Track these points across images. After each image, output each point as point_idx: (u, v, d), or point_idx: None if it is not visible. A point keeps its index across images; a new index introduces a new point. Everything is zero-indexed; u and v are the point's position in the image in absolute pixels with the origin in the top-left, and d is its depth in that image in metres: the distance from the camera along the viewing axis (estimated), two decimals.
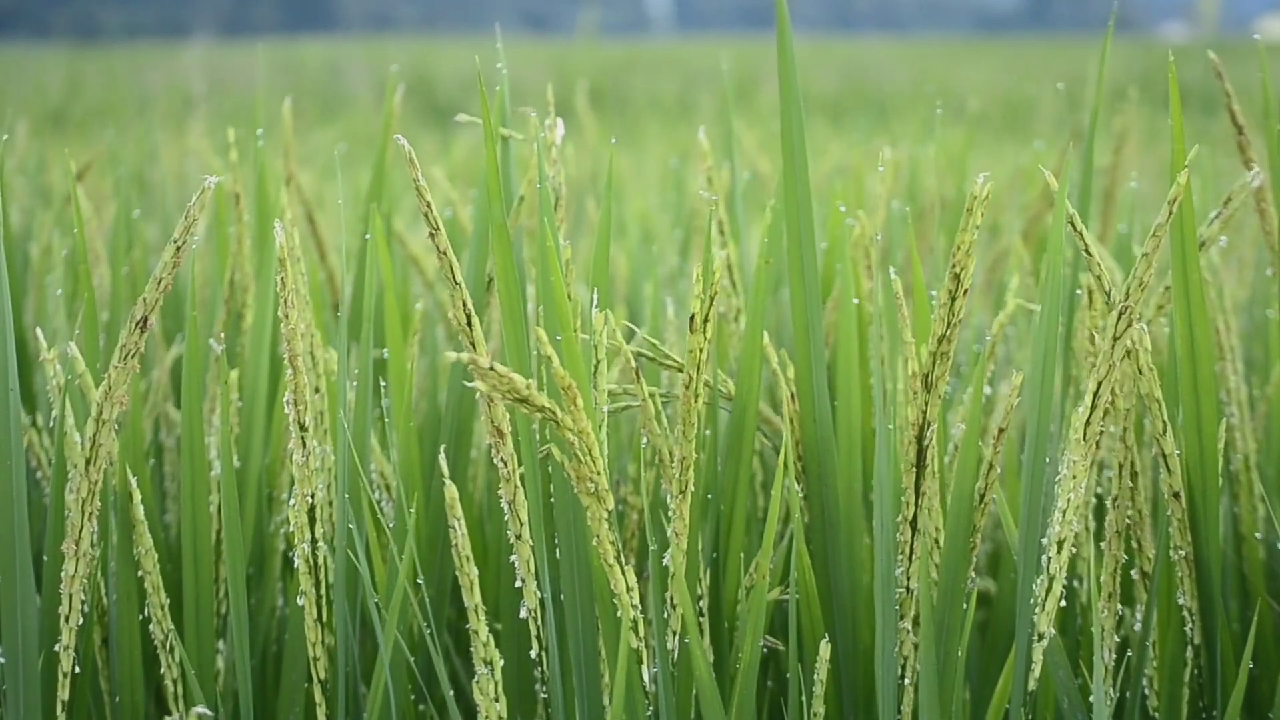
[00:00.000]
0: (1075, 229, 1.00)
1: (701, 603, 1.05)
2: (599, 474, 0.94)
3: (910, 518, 1.00)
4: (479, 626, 0.96)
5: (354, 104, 7.03)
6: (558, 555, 1.01)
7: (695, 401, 0.99)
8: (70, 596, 1.00)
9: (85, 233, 1.25)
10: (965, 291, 0.97)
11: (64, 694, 1.01)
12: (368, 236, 1.09)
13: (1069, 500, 0.96)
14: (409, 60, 8.64)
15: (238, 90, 7.00)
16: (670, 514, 1.00)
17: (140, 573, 1.07)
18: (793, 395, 1.10)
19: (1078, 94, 5.85)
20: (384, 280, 1.21)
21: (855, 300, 1.15)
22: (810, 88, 7.87)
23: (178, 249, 0.98)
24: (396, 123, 1.44)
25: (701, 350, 0.98)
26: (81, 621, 1.02)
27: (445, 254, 0.96)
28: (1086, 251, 1.00)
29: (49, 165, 2.69)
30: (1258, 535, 1.24)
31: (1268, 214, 1.16)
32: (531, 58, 8.70)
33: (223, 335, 1.22)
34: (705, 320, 0.98)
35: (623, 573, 0.97)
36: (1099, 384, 0.97)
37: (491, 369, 0.86)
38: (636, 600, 0.97)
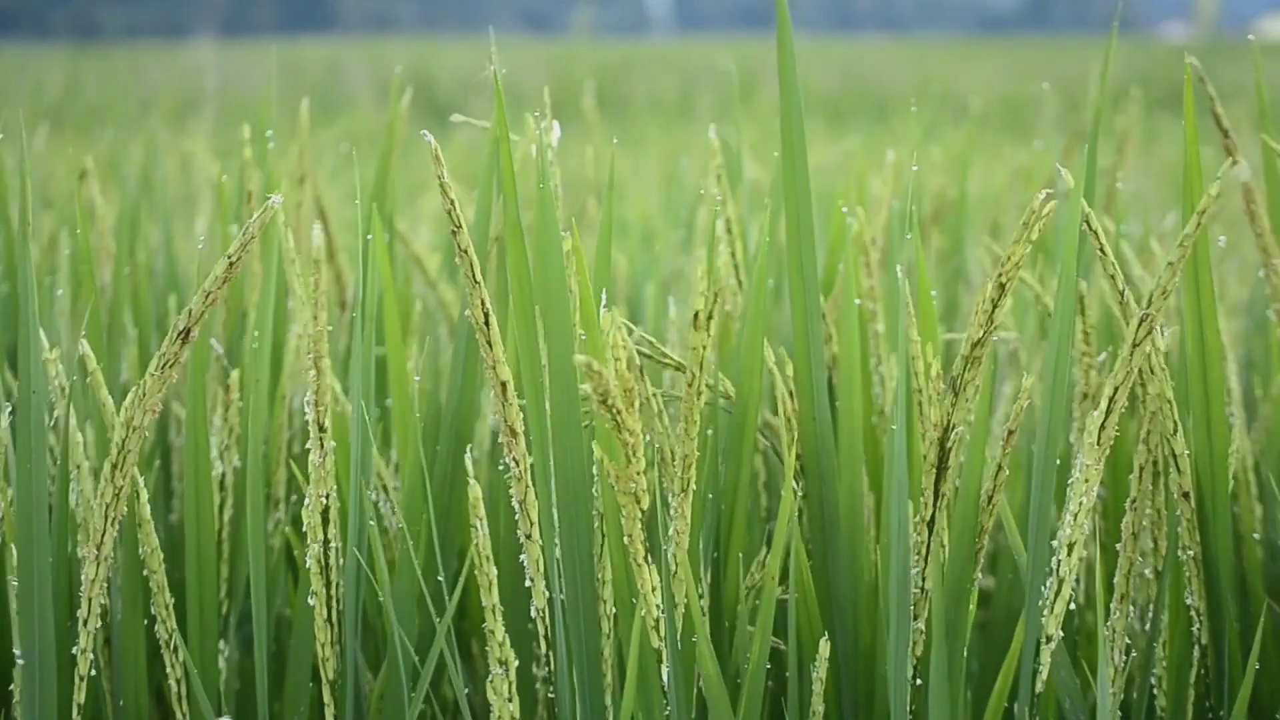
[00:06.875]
0: (1090, 228, 1.00)
1: (701, 602, 1.05)
2: (640, 474, 0.94)
3: (928, 518, 1.00)
4: (495, 626, 0.97)
5: (354, 104, 7.02)
6: (557, 555, 1.01)
7: (698, 399, 0.99)
8: (90, 600, 1.00)
9: (88, 233, 1.25)
10: (1007, 301, 0.98)
11: (80, 697, 1.00)
12: (369, 237, 1.09)
13: (1080, 503, 0.96)
14: (409, 60, 8.63)
15: (238, 90, 7.00)
16: (671, 512, 1.00)
17: (145, 572, 1.07)
18: (791, 394, 1.10)
19: (1078, 94, 5.84)
20: (384, 280, 1.21)
21: (856, 300, 1.15)
22: (810, 88, 7.87)
23: (231, 264, 0.95)
24: (401, 124, 1.44)
25: (704, 348, 0.98)
26: (100, 625, 1.01)
27: (467, 252, 0.96)
28: (1101, 251, 1.00)
29: (49, 164, 2.68)
30: (1255, 536, 1.24)
31: (1258, 215, 1.16)
32: (531, 58, 8.70)
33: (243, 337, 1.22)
34: (709, 318, 0.98)
35: (650, 573, 0.97)
36: (1115, 389, 0.97)
37: (600, 371, 0.87)
38: (660, 600, 0.97)
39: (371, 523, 1.05)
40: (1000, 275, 0.96)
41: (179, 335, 0.96)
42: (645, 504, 0.95)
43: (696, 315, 0.98)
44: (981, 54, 11.63)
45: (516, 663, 0.98)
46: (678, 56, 10.45)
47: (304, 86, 7.41)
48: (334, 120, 5.59)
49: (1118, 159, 1.82)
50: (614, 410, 0.90)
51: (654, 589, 0.97)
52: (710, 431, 1.08)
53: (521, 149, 1.22)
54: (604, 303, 1.01)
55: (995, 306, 0.97)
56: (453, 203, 0.95)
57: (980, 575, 1.03)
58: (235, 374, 1.18)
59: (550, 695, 1.05)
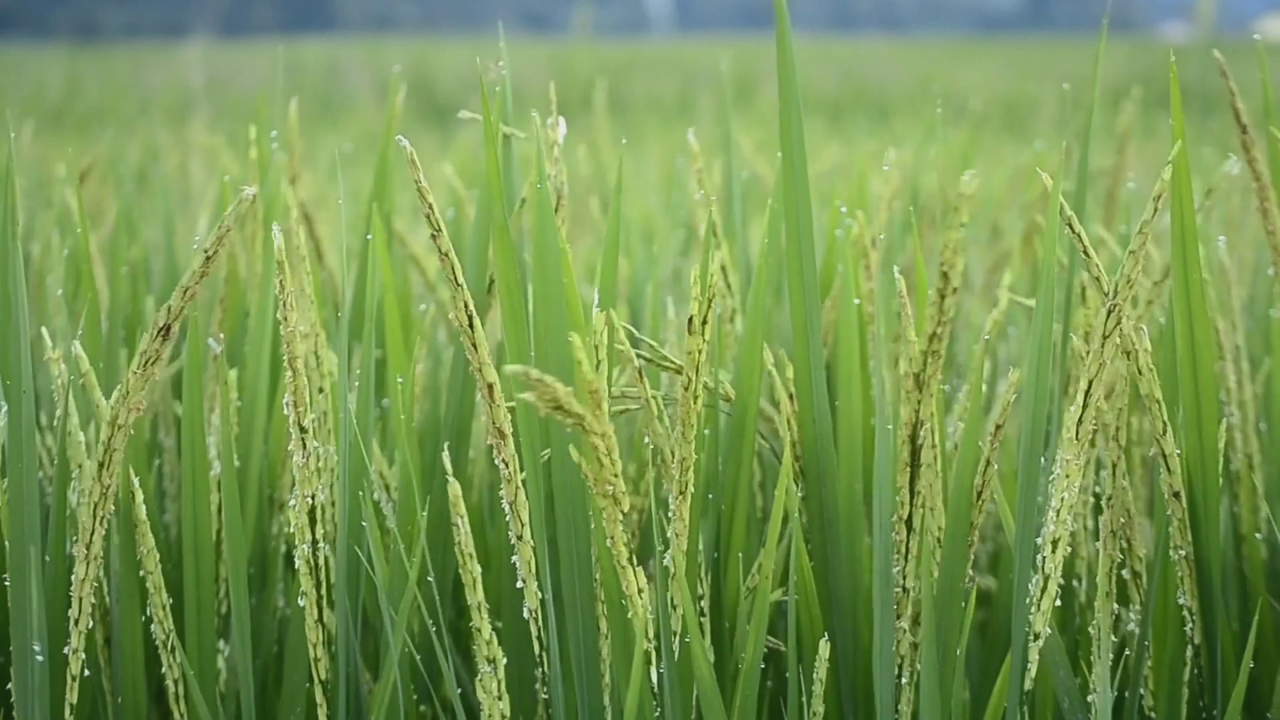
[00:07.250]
0: (1073, 230, 1.00)
1: (702, 602, 1.05)
2: (616, 476, 0.94)
3: (905, 517, 1.01)
4: (482, 624, 0.96)
5: (354, 104, 7.03)
6: (551, 555, 1.01)
7: (695, 403, 0.99)
8: (80, 600, 1.00)
9: (86, 232, 1.25)
10: (955, 290, 0.97)
11: (72, 697, 1.00)
12: (369, 237, 1.09)
13: (1063, 499, 0.96)
14: (409, 60, 8.63)
15: (238, 90, 7.00)
16: (670, 515, 1.00)
17: (142, 572, 1.07)
18: (791, 396, 1.10)
19: (1078, 94, 5.84)
20: (384, 281, 1.21)
21: (856, 301, 1.15)
22: (810, 88, 7.87)
23: (208, 258, 0.96)
24: (397, 123, 1.44)
25: (700, 351, 0.98)
26: (91, 624, 1.01)
27: (447, 255, 0.96)
28: (1085, 253, 1.00)
29: (49, 164, 2.69)
30: (1258, 535, 1.24)
31: (1270, 213, 1.16)
32: (531, 57, 8.69)
33: (221, 336, 1.22)
34: (704, 322, 0.98)
35: (634, 575, 0.97)
36: (1090, 382, 0.97)
37: (539, 380, 0.87)
38: (648, 602, 0.97)
39: (365, 524, 1.05)
40: (941, 264, 0.96)
41: (159, 332, 0.96)
42: (625, 506, 0.95)
43: (691, 320, 0.98)
44: (981, 54, 11.63)
45: (505, 660, 0.98)
46: (678, 56, 10.45)
47: (304, 86, 7.42)
48: (334, 120, 5.59)
49: (1118, 159, 1.82)
50: (573, 415, 0.89)
51: (640, 591, 0.97)
52: (708, 432, 1.08)
53: (525, 148, 1.22)
54: (595, 303, 1.02)
55: (943, 297, 0.97)
56: (431, 206, 0.96)
57: (973, 574, 1.03)
58: (233, 373, 1.18)
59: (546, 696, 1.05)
